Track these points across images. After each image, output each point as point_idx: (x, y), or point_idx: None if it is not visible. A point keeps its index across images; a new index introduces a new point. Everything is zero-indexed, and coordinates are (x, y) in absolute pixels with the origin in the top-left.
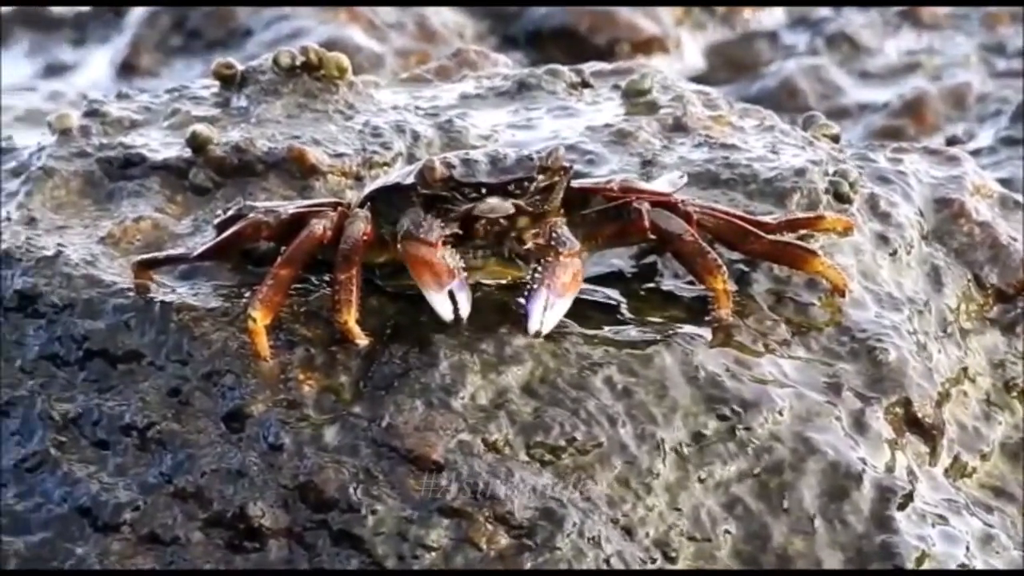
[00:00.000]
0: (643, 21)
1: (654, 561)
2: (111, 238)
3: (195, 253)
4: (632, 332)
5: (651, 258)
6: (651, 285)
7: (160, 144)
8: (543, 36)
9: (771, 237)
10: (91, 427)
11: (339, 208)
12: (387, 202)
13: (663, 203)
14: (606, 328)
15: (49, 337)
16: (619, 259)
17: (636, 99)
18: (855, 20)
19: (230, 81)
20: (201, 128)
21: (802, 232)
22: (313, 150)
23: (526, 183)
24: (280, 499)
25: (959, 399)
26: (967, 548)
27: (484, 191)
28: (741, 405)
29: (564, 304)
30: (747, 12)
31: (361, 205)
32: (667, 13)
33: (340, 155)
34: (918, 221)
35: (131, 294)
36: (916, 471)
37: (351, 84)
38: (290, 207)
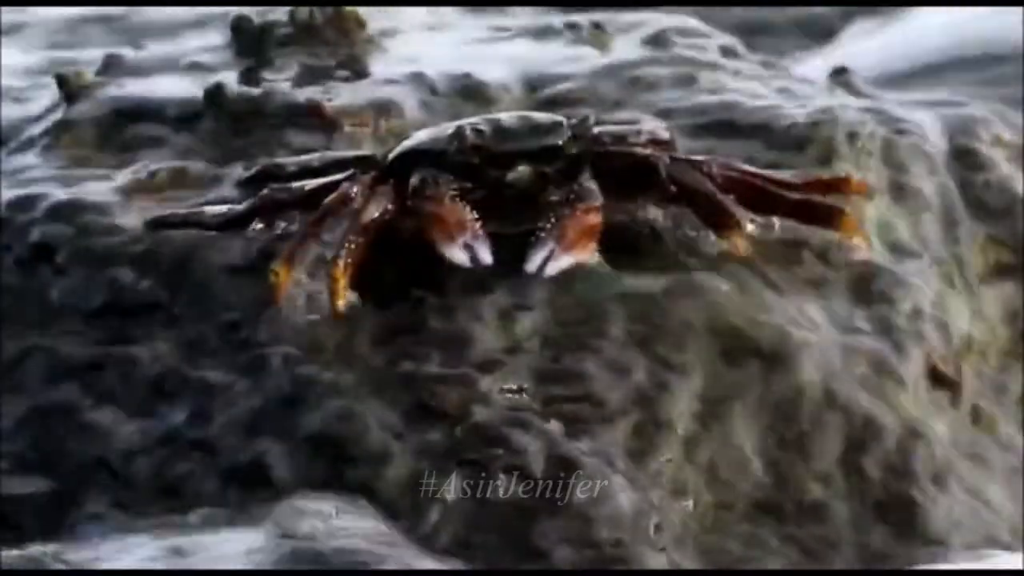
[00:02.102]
0: None
1: (671, 509)
2: (128, 188)
3: (212, 222)
4: (652, 281)
5: (672, 207)
6: (672, 233)
7: (177, 96)
8: None
9: (796, 196)
10: (108, 377)
11: (356, 182)
12: (414, 165)
13: (685, 162)
14: (625, 277)
15: (65, 288)
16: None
17: (654, 46)
18: None
19: (247, 32)
20: (219, 80)
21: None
22: (330, 102)
23: (557, 150)
24: (296, 452)
25: (978, 350)
26: (987, 501)
27: (515, 157)
28: (760, 355)
29: (569, 259)
30: None
31: (386, 169)
32: None
33: (357, 106)
34: (935, 171)
35: (148, 244)
36: (936, 422)
37: (369, 36)
38: (313, 159)
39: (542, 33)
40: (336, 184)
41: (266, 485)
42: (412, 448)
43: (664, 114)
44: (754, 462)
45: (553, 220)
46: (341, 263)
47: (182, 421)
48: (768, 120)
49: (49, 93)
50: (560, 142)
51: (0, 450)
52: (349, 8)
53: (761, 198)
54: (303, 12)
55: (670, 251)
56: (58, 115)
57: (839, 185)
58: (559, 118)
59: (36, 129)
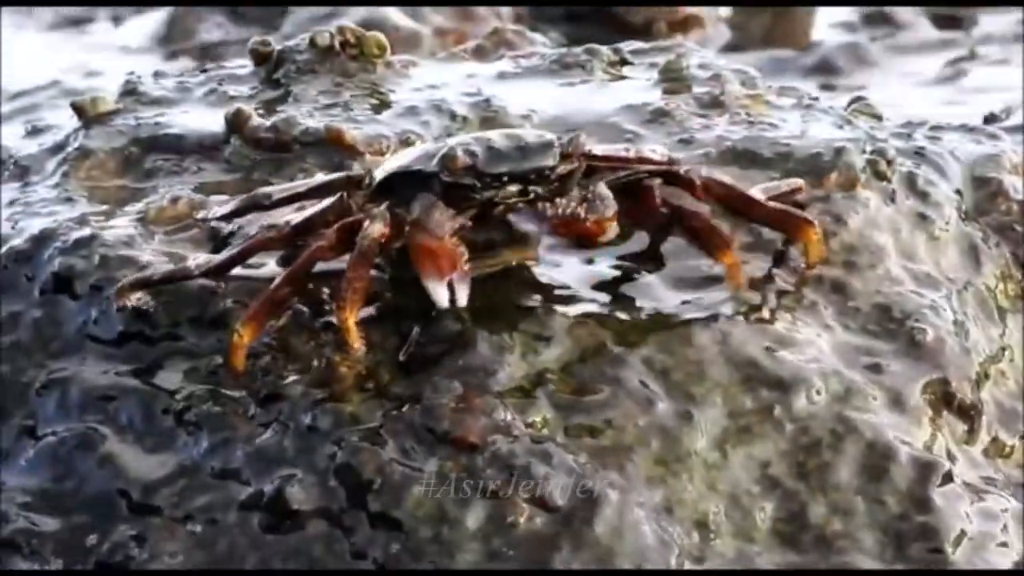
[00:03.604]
0: None
1: (692, 541)
2: (148, 218)
3: (195, 271)
4: (670, 312)
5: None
6: (688, 264)
7: (197, 123)
8: (580, 15)
9: (773, 205)
10: (128, 408)
11: (346, 206)
12: (404, 186)
13: (668, 172)
14: (644, 308)
15: (86, 318)
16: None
17: (674, 77)
18: None
19: (266, 60)
20: (240, 107)
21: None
22: (351, 129)
23: (547, 171)
24: (317, 481)
25: (997, 378)
26: (1004, 527)
27: (506, 179)
28: (779, 385)
29: (569, 232)
30: None
31: (376, 189)
32: None
33: (378, 134)
34: (956, 199)
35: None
36: (954, 450)
37: (388, 63)
38: (298, 186)
39: (563, 63)
40: (321, 217)
41: (288, 515)
42: (433, 477)
43: (685, 144)
44: (775, 491)
45: (559, 211)
46: (347, 307)
47: (203, 452)
48: (789, 148)
49: (68, 115)
50: (551, 162)
51: (21, 483)
52: (370, 34)
53: (741, 206)
54: (324, 37)
55: (687, 282)
56: (77, 143)
57: (801, 228)
58: (550, 137)
59: (56, 158)
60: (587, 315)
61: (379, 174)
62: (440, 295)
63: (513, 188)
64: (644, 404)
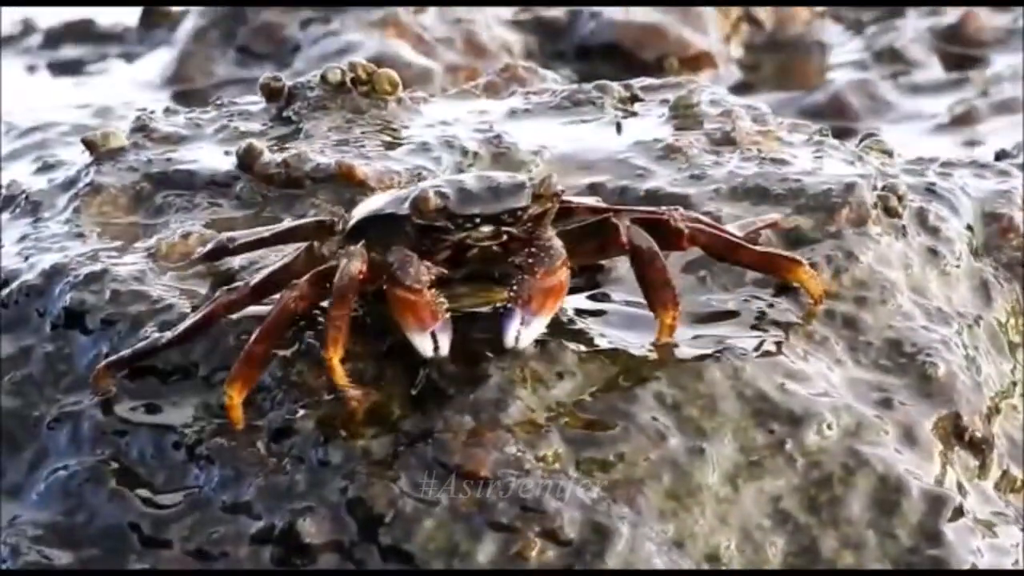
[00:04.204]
0: (692, 36)
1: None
2: (159, 253)
3: (163, 342)
4: (681, 346)
5: (700, 272)
6: (699, 299)
7: (208, 159)
8: (591, 51)
9: (759, 249)
10: (139, 442)
11: (315, 256)
12: (378, 229)
13: (653, 219)
14: (655, 343)
15: (97, 353)
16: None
17: (685, 114)
18: (904, 34)
19: (277, 96)
20: (251, 143)
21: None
22: (362, 165)
23: (520, 211)
24: (329, 515)
25: (1009, 413)
26: (1016, 561)
27: (478, 220)
28: (790, 419)
29: (541, 322)
30: (797, 25)
31: (349, 234)
32: (715, 28)
33: (389, 170)
34: (967, 235)
35: (181, 309)
36: (965, 485)
37: (399, 99)
38: (264, 232)
39: (574, 99)
40: (283, 273)
41: (300, 549)
42: (445, 511)
43: (696, 180)
44: (786, 526)
45: (516, 288)
46: (331, 347)
47: (215, 486)
48: (800, 184)
49: (79, 151)
50: (523, 203)
51: (33, 516)
52: (382, 70)
53: (728, 253)
54: (335, 74)
55: (698, 317)
56: (88, 179)
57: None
58: (521, 179)
59: (67, 194)
60: (598, 350)
61: (352, 218)
62: (424, 346)
63: (486, 229)
64: (655, 438)
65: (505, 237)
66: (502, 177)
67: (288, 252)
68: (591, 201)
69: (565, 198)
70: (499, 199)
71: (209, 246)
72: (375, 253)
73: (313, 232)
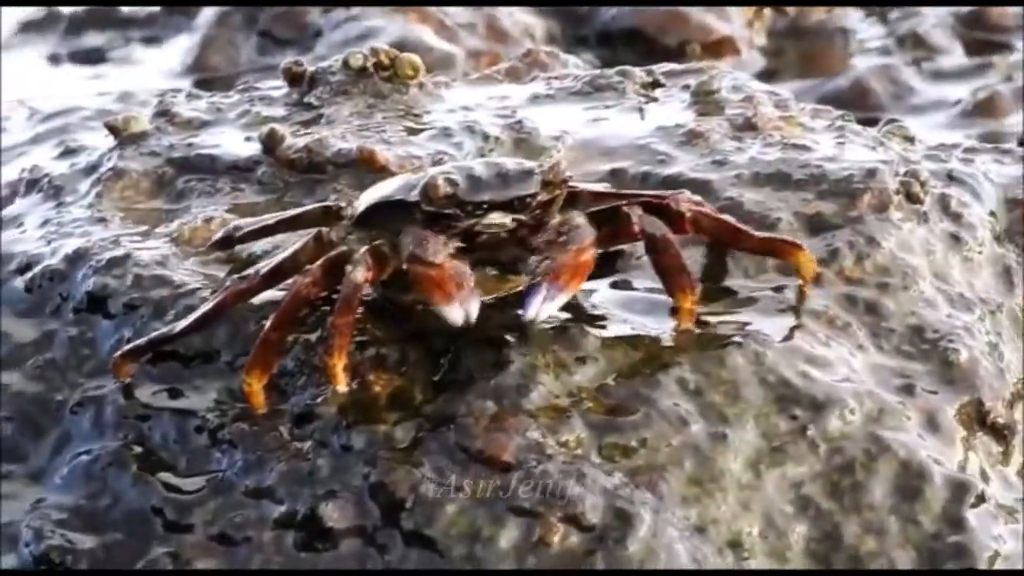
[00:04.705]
0: (714, 22)
1: (726, 561)
2: (181, 238)
3: (176, 332)
4: (704, 332)
5: (723, 258)
6: (722, 285)
7: (230, 144)
8: (613, 37)
9: (760, 234)
10: (162, 426)
11: (324, 243)
12: (387, 216)
13: (657, 204)
14: (676, 328)
15: (119, 337)
16: (690, 259)
17: (707, 99)
18: (926, 20)
19: (299, 80)
20: (273, 127)
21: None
22: (383, 151)
23: (528, 198)
24: (351, 500)
25: None
26: None
27: (487, 207)
28: (812, 405)
29: (564, 297)
30: (819, 12)
31: (358, 220)
32: (738, 14)
33: (411, 156)
34: (990, 221)
35: (202, 293)
36: (988, 471)
37: (421, 84)
38: (268, 219)
39: (596, 85)
40: (292, 262)
41: (323, 534)
42: (467, 496)
43: (718, 166)
44: (808, 512)
45: (545, 262)
46: (334, 353)
47: (238, 470)
48: (822, 170)
49: (102, 136)
50: (532, 190)
51: (57, 500)
52: (404, 55)
53: (730, 238)
54: (357, 59)
55: (721, 303)
56: (110, 164)
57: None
58: (530, 166)
59: (89, 178)
60: (620, 335)
61: (360, 205)
62: (454, 315)
63: (495, 216)
64: (678, 424)
65: (514, 224)
66: (511, 164)
67: (297, 239)
68: (599, 187)
69: (573, 184)
70: (508, 186)
71: (217, 235)
72: (383, 241)
73: (320, 218)
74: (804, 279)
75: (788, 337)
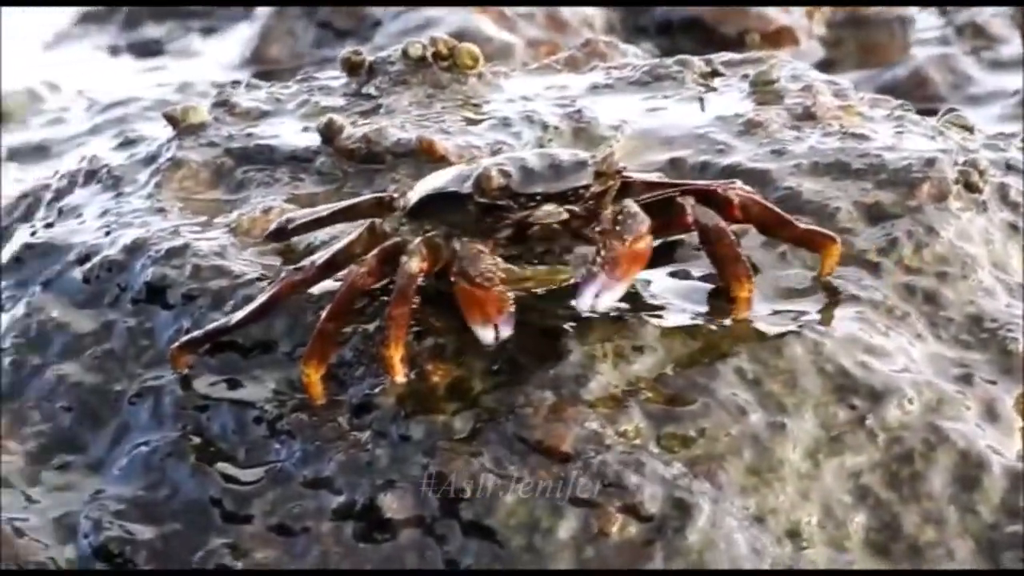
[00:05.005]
0: (773, 11)
1: (785, 550)
2: (240, 228)
3: (232, 323)
4: (762, 322)
5: (780, 248)
6: (780, 275)
7: (289, 134)
8: (673, 26)
9: (803, 226)
10: (221, 417)
11: (377, 234)
12: (440, 207)
13: (705, 191)
14: (734, 317)
15: (178, 328)
16: (748, 249)
17: (766, 89)
18: (985, 10)
19: (358, 70)
20: (332, 117)
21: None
22: (442, 140)
23: (582, 190)
24: (410, 490)
25: None
26: None
27: (540, 199)
28: (871, 395)
29: (621, 288)
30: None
31: (411, 212)
32: (797, 4)
33: (470, 145)
34: None
35: (260, 284)
36: None
37: (480, 74)
38: (321, 211)
39: (655, 74)
40: (347, 252)
41: (381, 524)
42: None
43: (777, 155)
44: (867, 501)
45: (602, 252)
46: (392, 344)
47: (296, 461)
48: (881, 160)
49: (161, 127)
50: (585, 181)
51: (115, 491)
52: (463, 45)
53: (775, 226)
54: (416, 48)
55: (779, 292)
56: (169, 154)
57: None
58: (583, 157)
59: (148, 169)
60: (678, 325)
61: (413, 196)
62: (486, 337)
63: (548, 208)
64: (736, 414)
65: (567, 215)
66: (564, 155)
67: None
68: (653, 176)
69: (626, 174)
70: (561, 177)
71: (272, 227)
72: (436, 233)
73: (372, 209)
74: (822, 271)
75: (846, 327)
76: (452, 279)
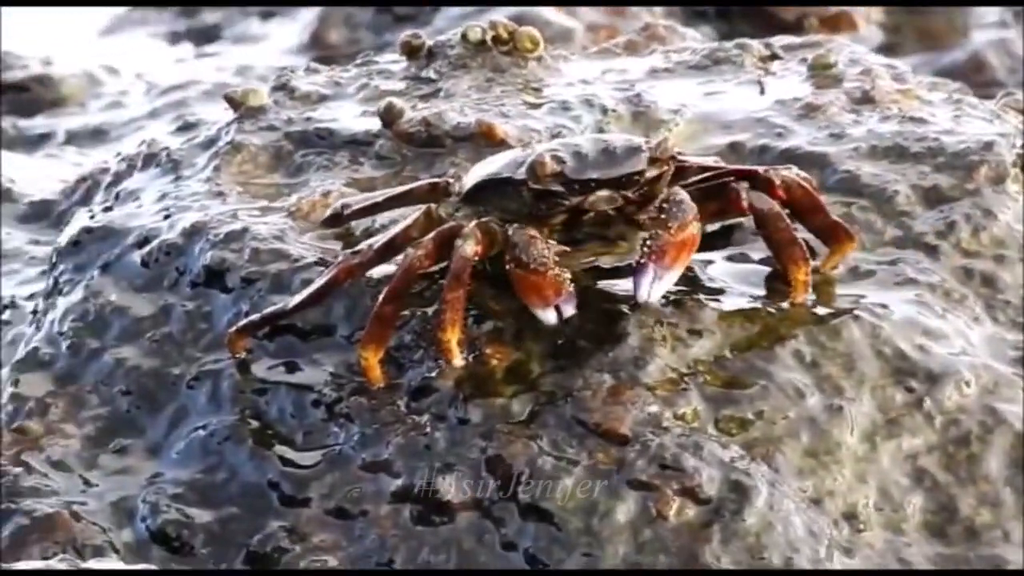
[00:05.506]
0: None
1: (842, 532)
2: (299, 212)
3: (289, 307)
4: (819, 305)
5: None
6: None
7: (349, 118)
8: (732, 10)
9: (833, 218)
10: (279, 400)
11: (433, 217)
12: (494, 193)
13: (749, 173)
14: (792, 301)
15: (237, 311)
16: (803, 231)
17: (824, 73)
18: None
19: (417, 54)
20: (391, 101)
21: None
22: (502, 124)
23: (635, 176)
24: (468, 473)
25: None
26: None
27: (594, 185)
28: (928, 377)
29: (673, 276)
30: None
31: (466, 197)
32: None
33: (529, 129)
34: None
35: (319, 267)
36: None
37: (540, 58)
38: (377, 196)
39: (714, 58)
40: (404, 235)
41: (439, 507)
42: (584, 469)
43: (836, 139)
44: (924, 483)
45: (648, 242)
46: (448, 327)
47: (354, 444)
48: (939, 143)
49: (219, 111)
50: (639, 167)
51: (173, 474)
52: (523, 29)
53: (809, 211)
54: (476, 32)
55: (836, 275)
56: (228, 138)
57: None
58: (637, 142)
59: (207, 152)
60: (736, 308)
61: (468, 181)
62: (548, 318)
63: (602, 194)
64: (794, 397)
65: (621, 201)
66: (618, 141)
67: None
68: (708, 160)
69: (680, 159)
70: (615, 163)
71: (327, 212)
72: (490, 218)
73: (428, 195)
74: (829, 263)
75: (904, 310)
76: (507, 265)
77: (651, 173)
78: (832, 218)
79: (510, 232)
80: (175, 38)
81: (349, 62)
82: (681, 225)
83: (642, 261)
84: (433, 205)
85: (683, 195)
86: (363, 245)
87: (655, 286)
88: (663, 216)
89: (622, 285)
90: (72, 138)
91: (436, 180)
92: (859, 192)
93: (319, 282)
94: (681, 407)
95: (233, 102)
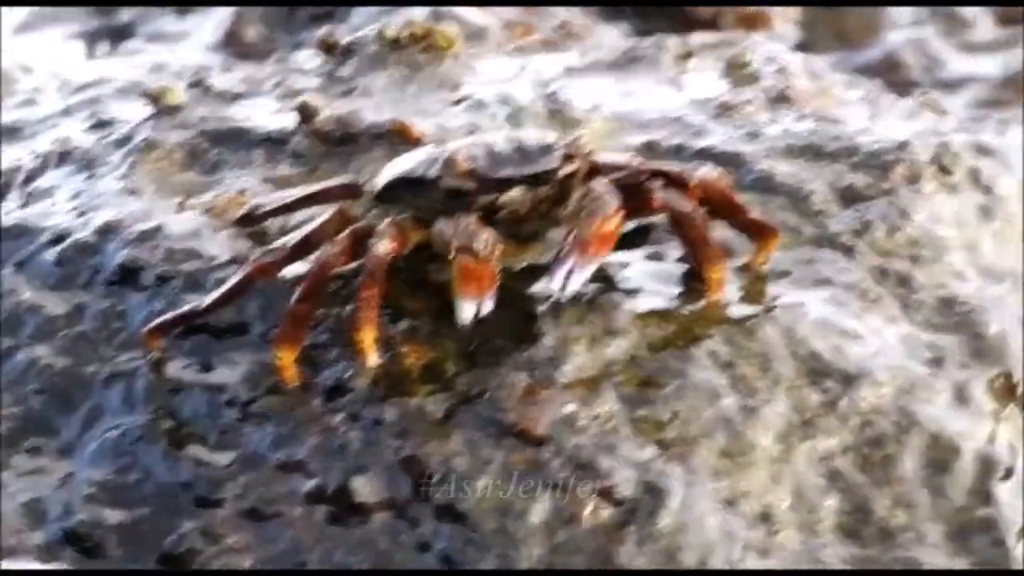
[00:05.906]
0: None
1: (757, 534)
2: (214, 210)
3: (203, 306)
4: (735, 305)
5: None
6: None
7: (264, 116)
8: (648, 8)
9: (753, 216)
10: (193, 400)
11: (347, 216)
12: (408, 192)
13: (664, 173)
14: (707, 300)
15: (151, 310)
16: (720, 231)
17: (741, 71)
18: None
19: (333, 52)
20: (306, 99)
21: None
22: (417, 122)
23: (549, 174)
24: (383, 473)
25: None
26: None
27: (507, 183)
28: (843, 378)
29: (590, 268)
30: None
31: (379, 196)
32: None
33: (445, 127)
34: (1020, 193)
35: (234, 266)
36: (1017, 444)
37: (456, 56)
38: (288, 197)
39: (630, 56)
40: (318, 234)
41: (354, 508)
42: (499, 470)
43: (751, 138)
44: (839, 485)
45: (570, 234)
46: (362, 327)
47: (269, 444)
48: (854, 143)
49: (134, 109)
50: (552, 165)
51: (86, 474)
52: (438, 28)
53: (727, 211)
54: (391, 30)
55: (752, 276)
56: (143, 135)
57: (767, 236)
58: (551, 139)
59: (122, 148)
60: (653, 308)
61: (380, 180)
62: (468, 313)
63: (515, 192)
64: (710, 397)
65: (534, 199)
66: (532, 139)
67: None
68: (621, 158)
69: (594, 157)
70: (528, 161)
71: (240, 212)
72: (404, 217)
73: (341, 194)
74: (755, 261)
75: (820, 310)
76: (452, 254)
77: (565, 171)
78: (753, 218)
79: (445, 225)
80: (89, 36)
81: (265, 60)
82: (605, 217)
83: (562, 253)
84: (347, 204)
85: (604, 189)
86: (277, 243)
87: (572, 278)
88: (585, 209)
89: (539, 285)
90: None
91: (348, 181)
92: (775, 191)
93: (233, 281)
94: (597, 407)
95: (152, 97)
